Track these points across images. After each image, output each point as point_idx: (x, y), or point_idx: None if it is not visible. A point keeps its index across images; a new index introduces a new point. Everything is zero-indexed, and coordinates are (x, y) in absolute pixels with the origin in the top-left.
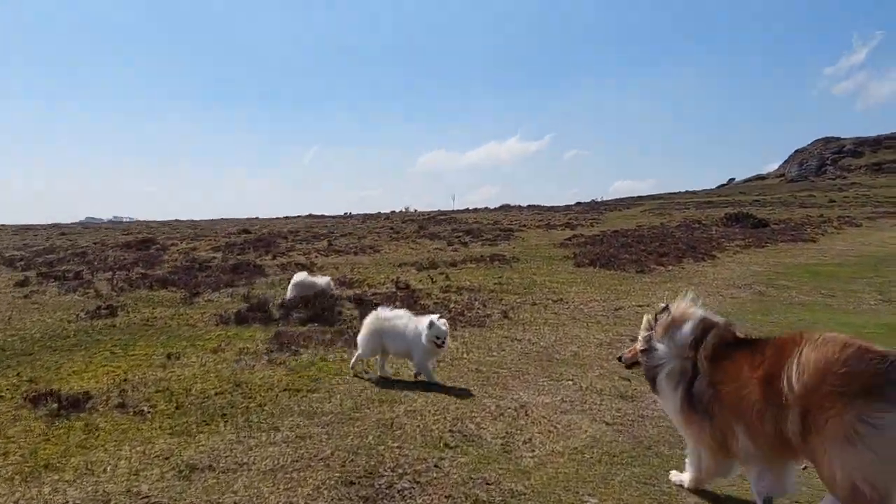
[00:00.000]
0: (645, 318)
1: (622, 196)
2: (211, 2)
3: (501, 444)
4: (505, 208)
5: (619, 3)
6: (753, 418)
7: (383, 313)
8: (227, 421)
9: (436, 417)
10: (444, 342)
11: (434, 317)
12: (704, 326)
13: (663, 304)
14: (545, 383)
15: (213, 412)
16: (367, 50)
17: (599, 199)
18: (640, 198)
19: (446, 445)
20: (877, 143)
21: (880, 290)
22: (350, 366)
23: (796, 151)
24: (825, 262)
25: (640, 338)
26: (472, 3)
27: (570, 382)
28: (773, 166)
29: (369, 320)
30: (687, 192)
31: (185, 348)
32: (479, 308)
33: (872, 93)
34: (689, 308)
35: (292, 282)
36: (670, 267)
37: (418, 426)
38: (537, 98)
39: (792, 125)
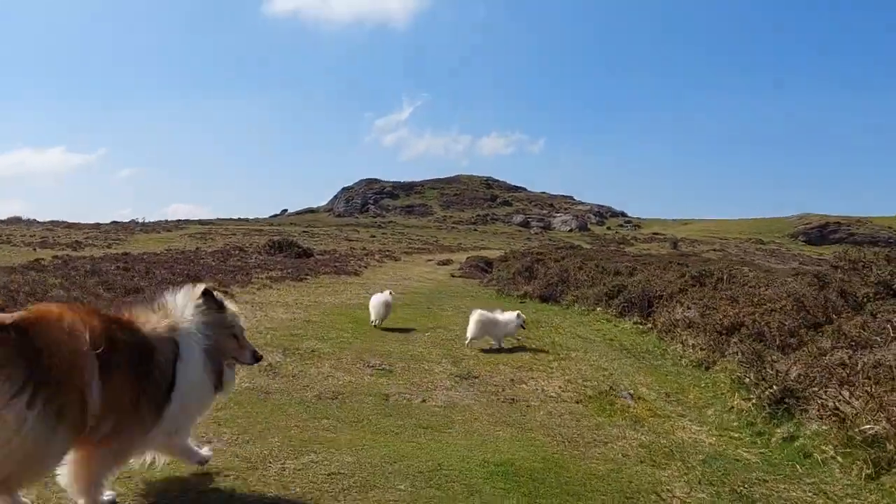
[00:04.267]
0: None
1: (179, 218)
2: None
3: None
4: (13, 221)
5: (177, 37)
6: None
7: None
8: None
9: None
10: None
11: None
12: None
13: None
14: None
15: None
16: None
17: (141, 220)
18: (188, 221)
19: None
20: (409, 188)
21: (450, 353)
22: None
23: (343, 189)
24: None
25: None
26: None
27: None
28: (324, 201)
29: None
30: (240, 219)
31: None
32: None
33: (412, 147)
34: None
35: None
36: None
37: None
38: (91, 108)
39: (346, 168)
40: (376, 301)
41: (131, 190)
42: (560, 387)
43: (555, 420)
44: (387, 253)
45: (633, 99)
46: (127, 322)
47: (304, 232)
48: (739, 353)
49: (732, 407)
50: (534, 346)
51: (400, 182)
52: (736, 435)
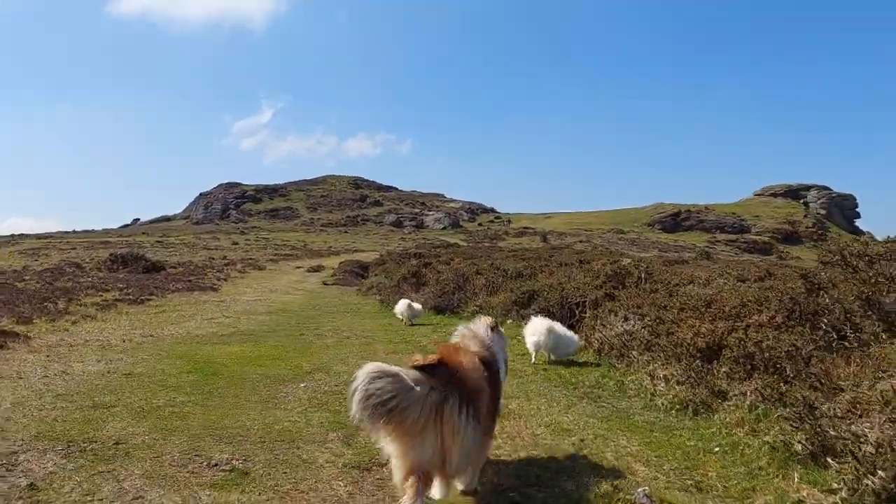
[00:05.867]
0: None
1: (15, 233)
2: None
3: None
4: None
5: (9, 37)
6: None
7: None
8: None
9: None
10: None
11: None
12: None
13: None
14: None
15: None
16: None
17: None
18: (24, 236)
19: None
20: (273, 191)
21: (339, 421)
22: None
23: (201, 195)
24: (228, 330)
25: None
26: None
27: None
28: (179, 208)
29: None
30: (86, 231)
31: None
32: None
33: (275, 150)
34: None
35: None
36: None
37: None
38: None
39: (205, 174)
40: (401, 307)
41: None
42: None
43: None
44: (250, 261)
45: (496, 99)
46: (482, 354)
47: (158, 242)
48: (756, 395)
49: (801, 502)
50: None
51: (263, 185)
52: None
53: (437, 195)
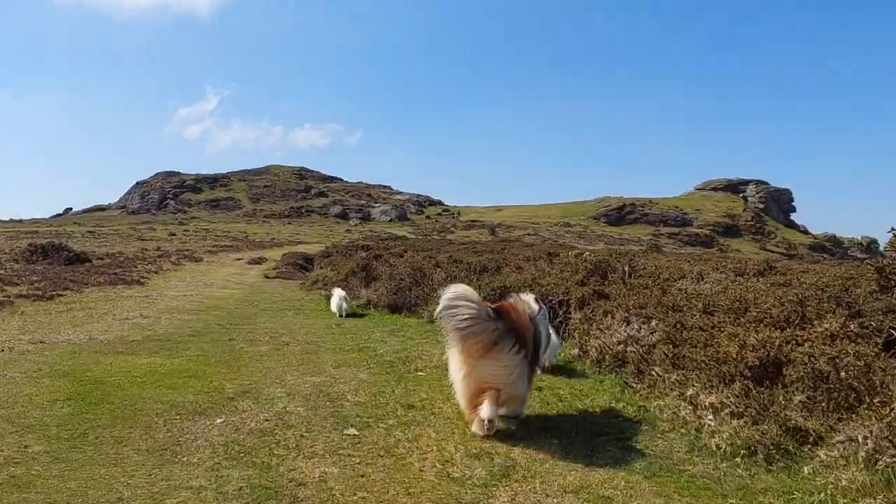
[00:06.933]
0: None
1: None
2: None
3: None
4: None
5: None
6: None
7: None
8: None
9: None
10: None
11: None
12: None
13: None
14: None
15: None
16: None
17: None
18: None
19: None
20: (214, 180)
21: (267, 482)
22: None
23: (137, 183)
24: (141, 334)
25: None
26: None
27: None
28: (115, 197)
29: None
30: (12, 220)
31: None
32: None
33: (220, 139)
34: None
35: None
36: None
37: None
38: None
39: (144, 162)
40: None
41: None
42: None
43: None
44: (186, 253)
45: (450, 89)
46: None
47: (89, 232)
48: (881, 442)
49: None
50: (430, 416)
51: (203, 175)
52: None
53: (385, 187)
